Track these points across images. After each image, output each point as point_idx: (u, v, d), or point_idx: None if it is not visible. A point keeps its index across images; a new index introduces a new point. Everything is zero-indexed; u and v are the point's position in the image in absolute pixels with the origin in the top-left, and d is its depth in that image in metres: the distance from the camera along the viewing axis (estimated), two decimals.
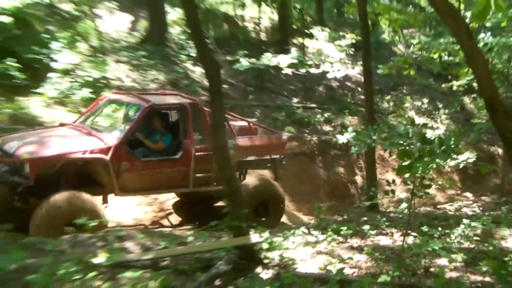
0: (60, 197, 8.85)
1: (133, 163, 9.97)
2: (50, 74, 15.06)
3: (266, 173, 12.80)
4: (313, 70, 16.03)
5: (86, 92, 14.84)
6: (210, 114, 10.40)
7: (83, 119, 11.26)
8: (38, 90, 14.55)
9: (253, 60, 17.42)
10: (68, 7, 20.14)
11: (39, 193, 9.03)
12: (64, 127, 11.03)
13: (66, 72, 15.37)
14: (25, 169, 9.03)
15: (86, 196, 9.13)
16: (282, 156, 12.18)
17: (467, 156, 7.44)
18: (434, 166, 6.81)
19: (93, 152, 9.54)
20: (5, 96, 14.13)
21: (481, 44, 12.84)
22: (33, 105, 14.05)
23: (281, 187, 11.74)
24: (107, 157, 9.55)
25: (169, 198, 12.54)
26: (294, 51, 16.97)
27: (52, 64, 15.26)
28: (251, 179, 10.56)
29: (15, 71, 14.28)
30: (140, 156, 10.26)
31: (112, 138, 9.94)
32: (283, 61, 14.54)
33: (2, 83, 14.17)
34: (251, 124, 12.16)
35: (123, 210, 11.67)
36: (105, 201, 10.12)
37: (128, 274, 6.11)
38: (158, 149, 10.50)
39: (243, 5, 21.82)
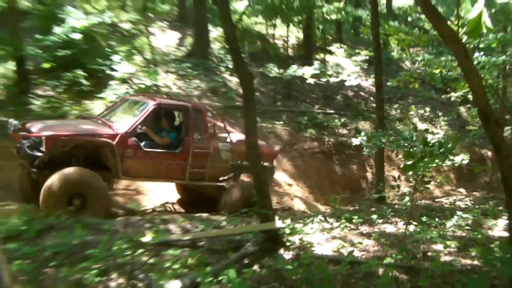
0: (68, 170, 8.85)
1: (137, 151, 9.85)
2: (110, 82, 15.18)
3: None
4: (332, 79, 16.01)
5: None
6: (208, 121, 10.61)
7: (104, 114, 11.24)
8: (100, 95, 14.67)
9: (281, 70, 17.43)
10: (127, 26, 20.34)
11: (53, 168, 9.00)
12: (85, 119, 11.14)
13: (123, 80, 15.48)
14: (42, 145, 9.05)
15: (91, 172, 9.10)
16: (273, 165, 11.74)
17: (462, 158, 7.32)
18: (434, 165, 6.73)
19: (101, 137, 9.52)
20: (74, 100, 14.31)
21: (475, 62, 12.71)
22: (96, 107, 14.17)
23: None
24: (114, 142, 9.50)
25: None
26: (316, 64, 16.92)
27: (113, 73, 15.38)
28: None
29: (82, 79, 14.44)
30: (144, 147, 10.17)
31: (121, 128, 9.85)
32: (307, 71, 14.49)
33: (72, 89, 14.32)
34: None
35: (160, 197, 11.76)
36: (110, 187, 10.15)
37: (170, 251, 6.13)
38: (163, 143, 10.38)
39: (274, 25, 21.75)
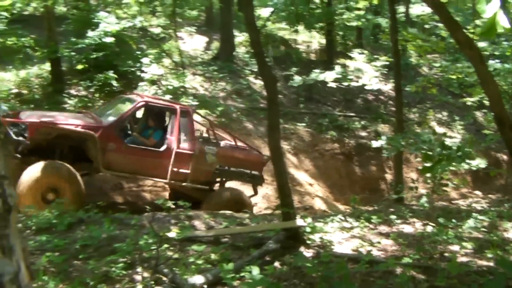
0: (42, 164, 8.69)
1: (119, 146, 9.63)
2: (140, 83, 15.20)
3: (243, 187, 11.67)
4: (353, 84, 15.86)
5: (167, 98, 14.90)
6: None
7: (100, 108, 11.13)
8: None
9: (304, 76, 17.33)
10: (157, 30, 20.40)
11: (38, 156, 8.93)
12: (79, 113, 11.02)
13: (152, 82, 15.49)
14: (26, 132, 8.97)
15: (66, 166, 8.90)
16: (261, 174, 11.21)
17: (479, 162, 7.21)
18: (451, 168, 6.63)
19: (84, 128, 9.35)
20: (105, 99, 14.35)
21: (491, 69, 12.57)
22: None
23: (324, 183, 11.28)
24: (96, 134, 9.28)
25: None
26: (338, 68, 16.79)
27: (142, 75, 15.41)
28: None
29: (113, 80, 14.50)
30: (128, 142, 10.00)
31: (106, 121, 9.73)
32: (329, 76, 14.37)
33: (103, 89, 14.39)
34: (238, 142, 11.39)
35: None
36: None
37: (195, 247, 6.09)
38: (150, 144, 10.12)
39: (296, 31, 21.67)
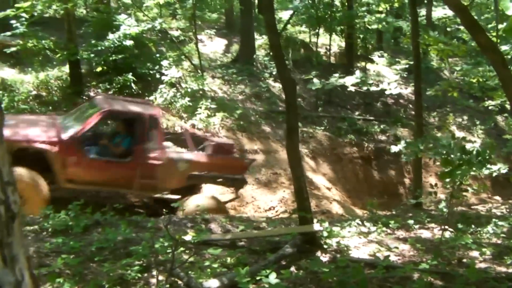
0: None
1: (81, 159, 9.32)
2: (159, 86, 15.25)
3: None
4: (373, 88, 15.77)
5: (186, 101, 14.94)
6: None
7: (70, 113, 10.73)
8: (150, 98, 14.74)
9: (323, 80, 17.27)
10: (176, 33, 20.49)
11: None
12: (49, 117, 10.57)
13: (172, 84, 15.52)
14: None
15: (31, 173, 8.71)
16: (244, 177, 10.96)
17: (500, 167, 7.12)
18: (471, 173, 6.56)
19: (44, 143, 9.05)
20: None
21: None
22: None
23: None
24: (54, 150, 9.03)
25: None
26: (358, 73, 16.72)
27: (162, 78, 15.46)
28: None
29: (132, 82, 14.57)
30: (93, 153, 9.70)
31: (66, 134, 9.33)
32: (349, 81, 14.30)
33: (122, 92, 14.46)
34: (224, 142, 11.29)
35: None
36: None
37: (211, 250, 6.07)
38: (118, 152, 9.81)
39: (317, 34, 21.62)
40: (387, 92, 15.77)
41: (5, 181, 1.97)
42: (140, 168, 9.65)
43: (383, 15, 22.30)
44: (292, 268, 5.84)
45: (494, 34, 13.95)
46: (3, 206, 1.96)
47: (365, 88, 16.72)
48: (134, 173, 9.61)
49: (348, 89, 17.24)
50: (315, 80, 15.20)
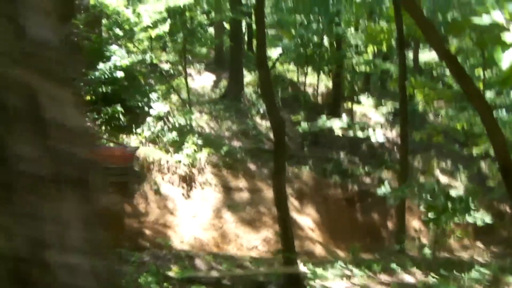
0: None
1: None
2: (147, 119, 15.33)
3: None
4: (359, 134, 16.01)
5: (173, 135, 15.03)
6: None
7: None
8: (137, 131, 14.81)
9: (310, 122, 17.45)
10: (166, 66, 20.64)
11: None
12: None
13: (159, 118, 15.63)
14: None
15: None
16: (134, 168, 10.53)
17: (483, 217, 7.27)
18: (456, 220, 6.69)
19: None
20: (111, 133, 14.47)
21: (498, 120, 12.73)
22: (132, 142, 14.31)
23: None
24: None
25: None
26: (344, 117, 16.95)
27: (149, 111, 15.55)
28: None
29: (120, 114, 14.63)
30: None
31: None
32: (335, 125, 14.53)
33: (110, 123, 14.52)
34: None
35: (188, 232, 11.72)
36: None
37: (194, 287, 6.10)
38: None
39: (305, 73, 21.88)
40: (372, 140, 16.04)
41: None
42: None
43: (370, 57, 22.67)
44: None
45: (482, 79, 14.33)
46: None
47: (351, 133, 16.99)
48: None
49: (335, 134, 17.50)
50: (303, 124, 15.42)
